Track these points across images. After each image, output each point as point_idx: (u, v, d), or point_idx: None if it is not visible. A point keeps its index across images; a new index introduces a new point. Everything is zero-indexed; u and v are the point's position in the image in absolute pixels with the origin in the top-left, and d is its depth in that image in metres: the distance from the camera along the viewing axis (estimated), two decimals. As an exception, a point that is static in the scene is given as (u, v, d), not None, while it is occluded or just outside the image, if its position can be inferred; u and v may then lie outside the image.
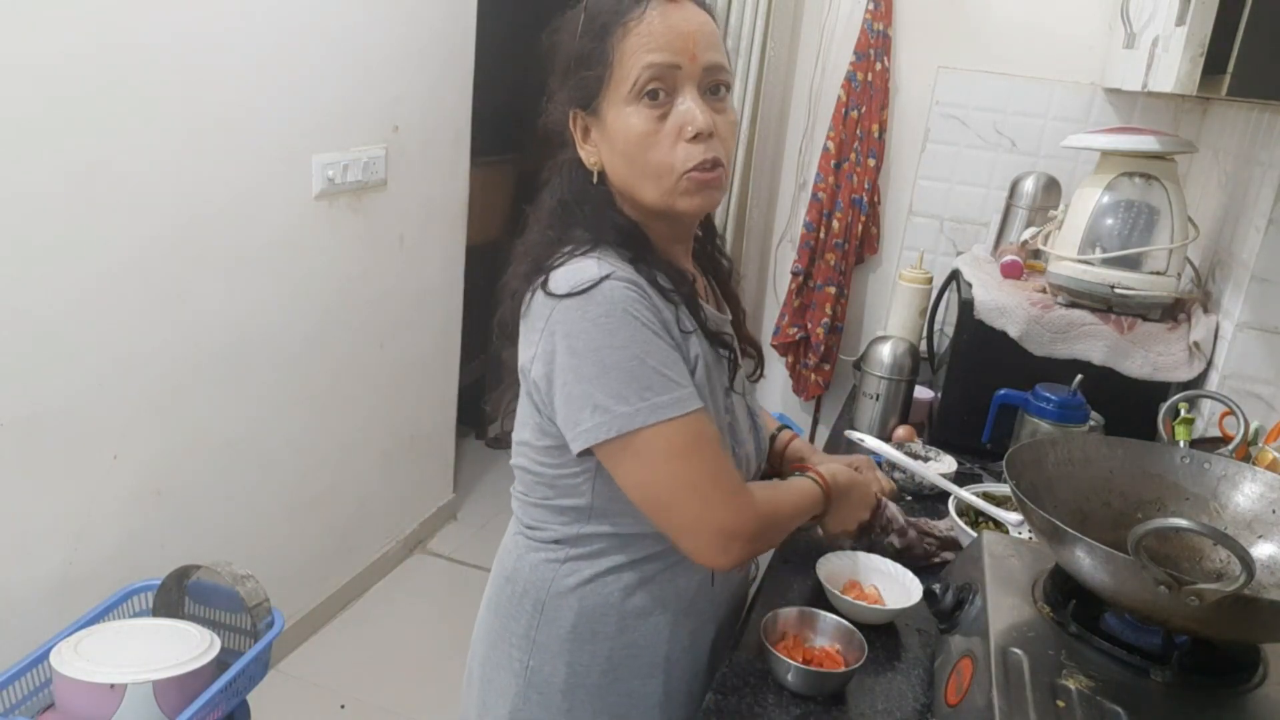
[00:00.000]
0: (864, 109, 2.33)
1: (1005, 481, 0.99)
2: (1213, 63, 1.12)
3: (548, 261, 0.97)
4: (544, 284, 0.95)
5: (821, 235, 2.42)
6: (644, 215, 1.01)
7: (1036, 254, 1.85)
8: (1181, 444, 1.26)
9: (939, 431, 1.75)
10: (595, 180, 1.02)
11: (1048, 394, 1.48)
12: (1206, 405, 1.54)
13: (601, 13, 0.97)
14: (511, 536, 1.12)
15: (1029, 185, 2.08)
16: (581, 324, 0.92)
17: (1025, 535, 1.28)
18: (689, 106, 0.95)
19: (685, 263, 1.09)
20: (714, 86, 0.97)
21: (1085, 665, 0.86)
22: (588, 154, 1.01)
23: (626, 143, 0.96)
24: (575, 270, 0.94)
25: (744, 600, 1.22)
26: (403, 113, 2.57)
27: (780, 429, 1.34)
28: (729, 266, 1.19)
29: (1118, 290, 1.58)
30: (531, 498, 1.07)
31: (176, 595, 1.83)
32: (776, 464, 1.34)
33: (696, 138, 0.95)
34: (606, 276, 0.93)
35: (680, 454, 0.93)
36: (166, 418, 2.02)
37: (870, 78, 2.30)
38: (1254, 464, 1.14)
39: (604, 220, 1.00)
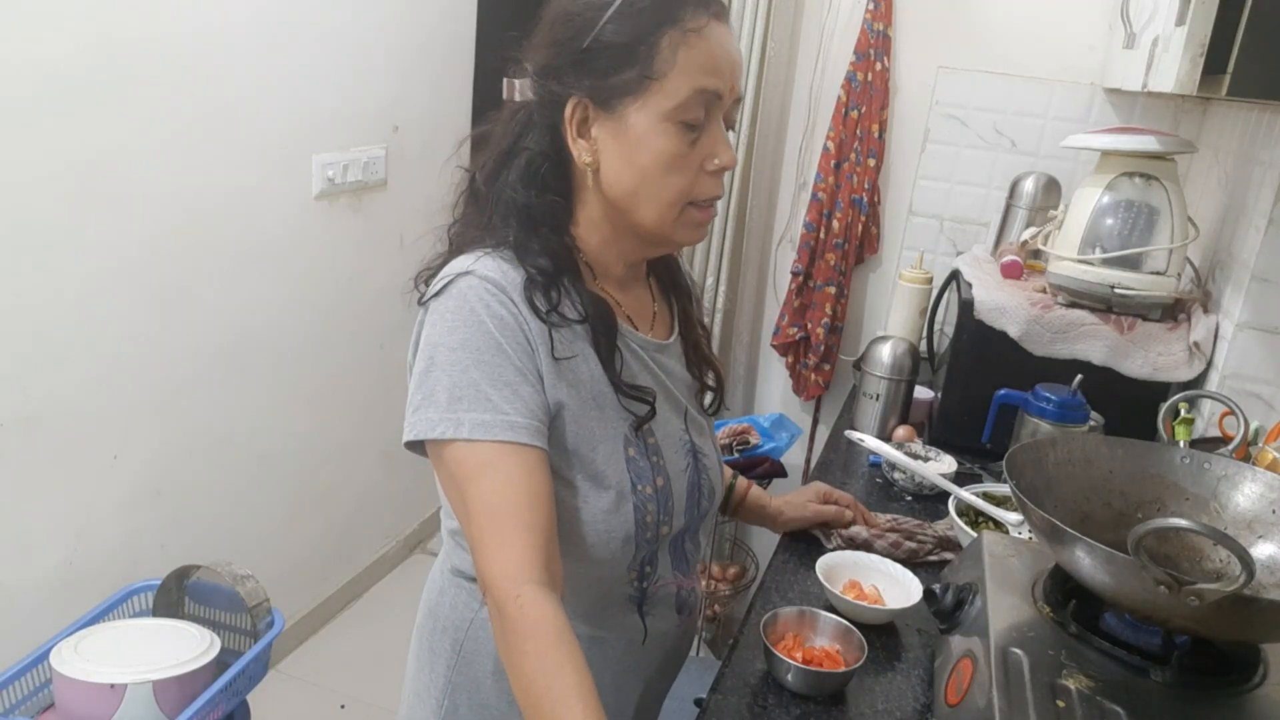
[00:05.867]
0: (864, 109, 2.33)
1: (1005, 481, 0.98)
2: (1213, 63, 1.12)
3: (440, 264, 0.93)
4: (422, 294, 0.92)
5: (821, 235, 2.42)
6: (616, 229, 0.95)
7: (1036, 254, 1.85)
8: (1181, 444, 1.26)
9: (939, 431, 1.75)
10: (575, 175, 0.94)
11: (1048, 394, 1.48)
12: (1206, 405, 1.54)
13: (652, 2, 0.86)
14: (438, 564, 1.07)
15: (1029, 185, 2.08)
16: (432, 318, 0.89)
17: (1025, 535, 1.29)
18: (720, 138, 0.91)
19: (633, 287, 1.03)
20: (730, 120, 0.93)
21: (1085, 665, 0.86)
22: (580, 150, 0.91)
23: (652, 160, 0.88)
24: (448, 267, 0.91)
25: (682, 657, 1.16)
26: (403, 113, 2.57)
27: (735, 477, 1.30)
28: (689, 289, 1.12)
29: (1118, 290, 1.58)
30: (451, 523, 1.00)
31: (176, 595, 1.82)
32: (735, 513, 1.31)
33: (718, 172, 0.91)
34: (467, 272, 0.88)
35: (467, 479, 0.84)
36: (166, 418, 2.02)
37: (870, 78, 2.30)
38: (1254, 464, 1.14)
39: (552, 226, 0.93)
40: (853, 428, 1.72)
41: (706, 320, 2.46)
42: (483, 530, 0.84)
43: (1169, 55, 1.26)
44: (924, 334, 2.02)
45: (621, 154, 0.90)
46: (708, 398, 1.10)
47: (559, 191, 0.94)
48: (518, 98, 0.96)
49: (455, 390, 0.85)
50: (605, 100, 0.88)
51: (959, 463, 1.60)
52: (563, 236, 0.94)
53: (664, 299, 1.09)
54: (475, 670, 1.00)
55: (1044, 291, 1.70)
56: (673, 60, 0.86)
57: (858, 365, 1.83)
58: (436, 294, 0.89)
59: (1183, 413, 1.35)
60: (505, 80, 0.97)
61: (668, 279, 1.10)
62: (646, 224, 0.92)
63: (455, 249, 0.95)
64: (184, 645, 1.61)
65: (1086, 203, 1.63)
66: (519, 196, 0.93)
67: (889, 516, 1.37)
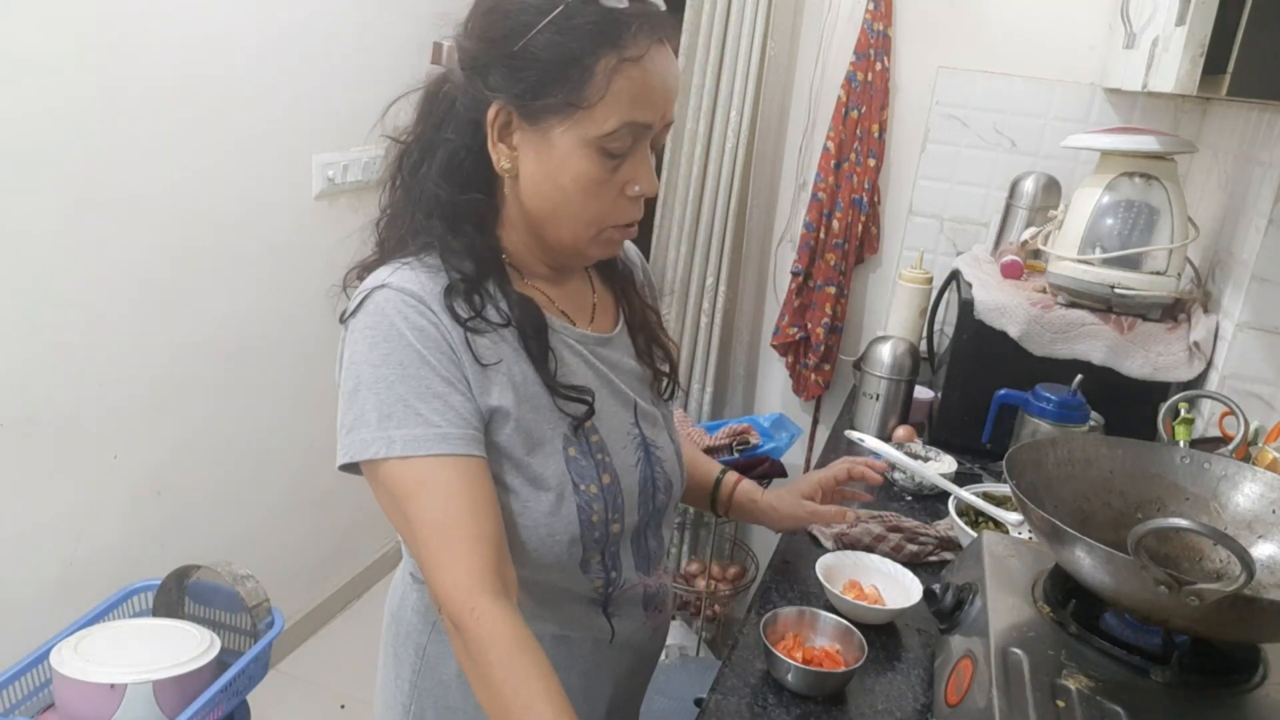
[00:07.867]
0: (864, 109, 2.33)
1: (1005, 481, 0.98)
2: (1213, 63, 1.12)
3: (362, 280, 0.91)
4: (343, 311, 0.89)
5: (821, 235, 2.42)
6: (532, 234, 0.92)
7: (1036, 254, 1.85)
8: (1181, 444, 1.26)
9: (939, 431, 1.75)
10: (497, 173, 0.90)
11: (1048, 394, 1.48)
12: (1206, 405, 1.54)
13: (593, 20, 0.81)
14: (399, 572, 1.06)
15: (1029, 185, 2.08)
16: (352, 336, 0.86)
17: (1025, 535, 1.29)
18: (642, 166, 0.88)
19: (568, 280, 0.99)
20: (658, 144, 0.90)
21: (1085, 665, 0.86)
22: (500, 155, 0.88)
23: (572, 182, 0.86)
24: (365, 282, 0.89)
25: (653, 657, 1.13)
26: (403, 113, 2.56)
27: (724, 471, 1.26)
28: (629, 272, 1.08)
29: (1118, 290, 1.58)
30: None
31: (176, 595, 1.83)
32: (725, 511, 1.26)
33: (637, 198, 0.89)
34: (382, 285, 0.86)
35: (406, 496, 0.82)
36: (166, 418, 2.02)
37: (870, 78, 2.30)
38: (1254, 464, 1.14)
39: (476, 224, 0.90)
40: (853, 428, 1.72)
41: (706, 320, 2.51)
42: (429, 547, 0.82)
43: (1169, 55, 1.26)
44: (924, 334, 2.02)
45: (541, 169, 0.87)
46: (664, 386, 1.06)
47: (481, 188, 0.91)
48: (444, 61, 0.92)
49: (384, 408, 0.83)
50: (529, 114, 0.85)
51: (959, 463, 1.60)
52: (487, 237, 0.92)
53: (606, 288, 1.05)
54: (440, 674, 0.99)
55: (1044, 291, 1.70)
56: (605, 89, 0.82)
57: (858, 365, 1.83)
58: (354, 312, 0.87)
59: (1183, 413, 1.35)
60: (435, 44, 0.90)
61: (607, 267, 1.06)
62: (561, 241, 0.91)
63: (384, 249, 0.94)
64: (184, 645, 1.61)
65: (1086, 203, 1.63)
66: (441, 192, 0.90)
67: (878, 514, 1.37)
